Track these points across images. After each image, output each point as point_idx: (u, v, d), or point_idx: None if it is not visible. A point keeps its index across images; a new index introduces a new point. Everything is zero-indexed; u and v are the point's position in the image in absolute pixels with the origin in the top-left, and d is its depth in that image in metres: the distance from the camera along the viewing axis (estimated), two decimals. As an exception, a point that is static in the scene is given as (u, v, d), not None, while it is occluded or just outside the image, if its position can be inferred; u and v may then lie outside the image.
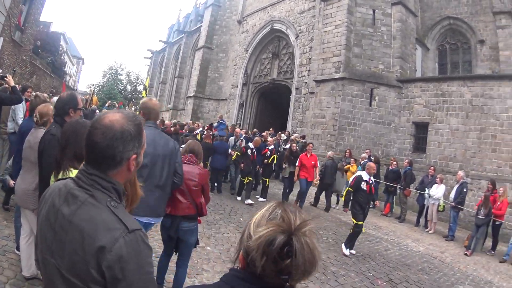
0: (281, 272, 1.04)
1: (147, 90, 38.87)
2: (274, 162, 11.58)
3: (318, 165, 10.60)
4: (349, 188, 7.47)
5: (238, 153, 10.62)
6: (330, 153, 11.95)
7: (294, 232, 1.04)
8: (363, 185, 7.16)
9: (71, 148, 2.42)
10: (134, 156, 1.36)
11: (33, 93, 7.42)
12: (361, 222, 7.14)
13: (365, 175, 7.31)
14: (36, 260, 1.49)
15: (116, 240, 1.20)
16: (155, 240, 5.61)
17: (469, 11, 19.08)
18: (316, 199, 11.27)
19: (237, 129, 13.71)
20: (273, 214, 1.12)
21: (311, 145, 10.92)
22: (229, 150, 11.10)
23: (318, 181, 10.85)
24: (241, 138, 12.04)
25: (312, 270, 1.07)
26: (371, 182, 7.34)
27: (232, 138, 12.57)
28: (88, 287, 1.20)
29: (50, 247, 1.29)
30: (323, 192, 11.16)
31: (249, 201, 9.98)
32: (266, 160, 10.95)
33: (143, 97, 20.39)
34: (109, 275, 1.19)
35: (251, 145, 10.67)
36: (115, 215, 1.26)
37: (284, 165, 10.84)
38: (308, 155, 10.20)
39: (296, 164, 10.21)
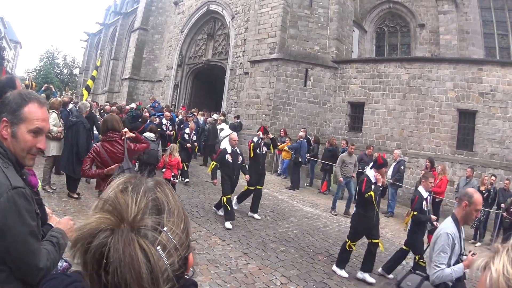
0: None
1: (98, 70, 36.39)
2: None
3: None
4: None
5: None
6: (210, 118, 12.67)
7: (124, 227, 0.69)
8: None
9: None
10: (3, 119, 1.48)
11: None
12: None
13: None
14: None
15: (1, 194, 1.37)
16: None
17: (410, -4, 19.19)
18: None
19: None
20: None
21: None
22: None
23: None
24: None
25: None
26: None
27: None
28: None
29: None
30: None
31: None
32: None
33: (93, 76, 19.29)
34: None
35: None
36: (4, 173, 1.42)
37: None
38: None
39: None
